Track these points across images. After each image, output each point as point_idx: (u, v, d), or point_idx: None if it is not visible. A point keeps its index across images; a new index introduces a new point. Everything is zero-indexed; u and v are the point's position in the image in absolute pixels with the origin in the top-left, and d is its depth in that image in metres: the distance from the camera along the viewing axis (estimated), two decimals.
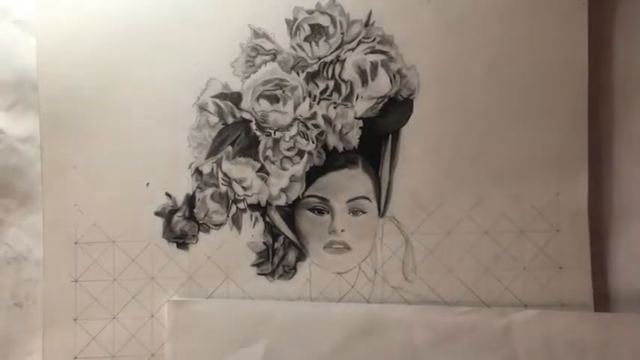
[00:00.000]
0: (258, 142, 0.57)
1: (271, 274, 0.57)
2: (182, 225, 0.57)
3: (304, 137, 0.57)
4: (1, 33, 0.58)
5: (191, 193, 0.57)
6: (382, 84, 0.57)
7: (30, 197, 0.57)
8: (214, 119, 0.57)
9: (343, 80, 0.57)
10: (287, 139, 0.57)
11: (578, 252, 0.56)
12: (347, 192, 0.57)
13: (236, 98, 0.57)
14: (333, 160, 0.57)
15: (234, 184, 0.57)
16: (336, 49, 0.57)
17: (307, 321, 0.56)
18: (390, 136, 0.57)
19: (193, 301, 0.56)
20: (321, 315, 0.56)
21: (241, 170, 0.57)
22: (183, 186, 0.57)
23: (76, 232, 0.57)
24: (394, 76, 0.57)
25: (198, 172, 0.57)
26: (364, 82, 0.57)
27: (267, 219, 0.57)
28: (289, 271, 0.57)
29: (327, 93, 0.57)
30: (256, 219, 0.57)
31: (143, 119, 0.57)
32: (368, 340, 0.56)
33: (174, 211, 0.57)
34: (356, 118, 0.58)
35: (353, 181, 0.57)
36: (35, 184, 0.57)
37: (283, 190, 0.57)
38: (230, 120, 0.58)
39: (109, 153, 0.57)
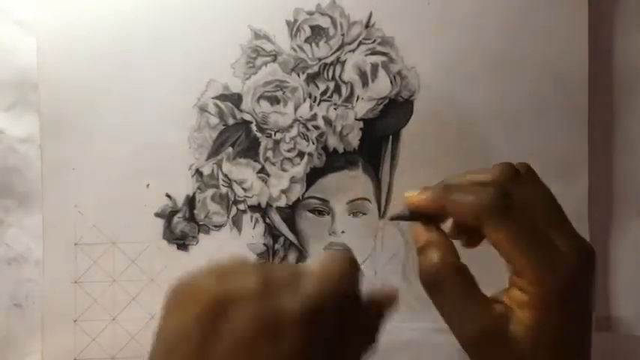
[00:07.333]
0: (259, 144, 0.57)
1: None
2: (182, 226, 0.57)
3: (304, 138, 0.57)
4: (1, 33, 0.58)
5: (191, 194, 0.57)
6: (382, 85, 0.57)
7: (30, 198, 0.57)
8: (215, 120, 0.57)
9: (343, 81, 0.57)
10: (287, 140, 0.57)
11: None
12: (347, 193, 0.57)
13: (236, 99, 0.57)
14: (333, 161, 0.57)
15: (234, 185, 0.57)
16: (337, 50, 0.57)
17: None
18: (391, 137, 0.57)
19: None
20: None
21: (242, 171, 0.57)
22: (183, 187, 0.57)
23: (76, 233, 0.57)
24: (394, 78, 0.57)
25: (198, 173, 0.57)
26: (364, 84, 0.57)
27: (268, 220, 0.57)
28: None
29: (328, 94, 0.57)
30: (256, 220, 0.57)
31: (143, 120, 0.57)
32: None
33: (174, 212, 0.57)
34: (356, 119, 0.57)
35: (353, 183, 0.57)
36: (35, 184, 0.57)
37: (283, 192, 0.57)
38: (230, 121, 0.57)
39: (109, 154, 0.57)
